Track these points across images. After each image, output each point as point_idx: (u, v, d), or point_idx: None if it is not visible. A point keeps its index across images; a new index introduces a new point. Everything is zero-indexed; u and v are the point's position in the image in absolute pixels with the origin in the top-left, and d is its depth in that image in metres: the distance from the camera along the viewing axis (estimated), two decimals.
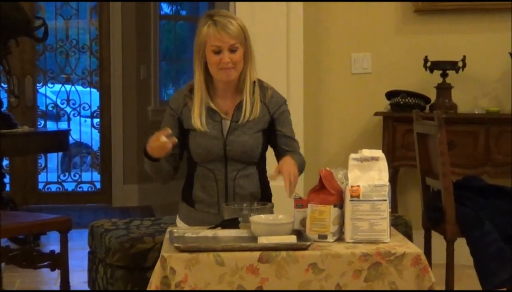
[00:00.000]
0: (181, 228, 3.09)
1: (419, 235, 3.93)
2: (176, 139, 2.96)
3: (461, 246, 3.66)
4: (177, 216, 3.30)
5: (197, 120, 3.06)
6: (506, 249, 3.55)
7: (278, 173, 2.90)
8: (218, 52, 3.01)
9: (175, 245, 2.52)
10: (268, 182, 3.21)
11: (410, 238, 3.59)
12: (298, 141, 3.23)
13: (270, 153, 3.26)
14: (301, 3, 4.87)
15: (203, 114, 3.07)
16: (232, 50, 3.02)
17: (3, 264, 4.10)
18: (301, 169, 3.10)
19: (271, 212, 2.87)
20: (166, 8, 8.88)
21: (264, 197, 3.17)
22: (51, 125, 7.85)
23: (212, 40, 3.01)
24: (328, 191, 2.65)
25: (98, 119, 7.89)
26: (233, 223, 2.79)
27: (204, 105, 3.08)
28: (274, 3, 4.79)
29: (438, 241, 3.82)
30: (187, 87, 3.17)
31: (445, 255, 3.64)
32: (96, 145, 8.06)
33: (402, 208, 4.99)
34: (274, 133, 3.16)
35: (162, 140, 2.92)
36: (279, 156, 3.15)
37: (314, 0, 5.03)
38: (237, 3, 4.83)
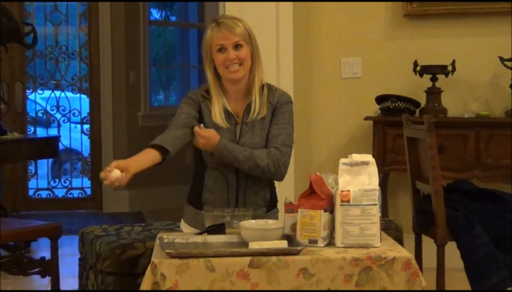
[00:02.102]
0: (187, 233, 3.07)
1: (410, 239, 3.94)
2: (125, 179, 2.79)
3: (452, 250, 3.67)
4: (182, 220, 3.27)
5: (219, 117, 3.06)
6: (497, 252, 3.55)
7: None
8: (223, 50, 3.04)
9: (167, 251, 2.51)
10: (275, 188, 3.22)
11: (400, 242, 3.60)
12: (288, 144, 3.12)
13: None
14: (290, 7, 4.87)
15: (223, 114, 3.08)
16: (237, 47, 3.04)
17: None
18: (242, 160, 3.00)
19: (252, 218, 2.85)
20: (155, 14, 8.88)
21: (271, 201, 3.18)
22: (41, 132, 7.84)
23: (216, 40, 3.05)
24: (318, 196, 2.65)
25: (88, 125, 7.88)
26: (219, 229, 2.79)
27: (222, 106, 3.09)
28: (264, 8, 4.80)
29: (429, 245, 3.83)
30: (202, 89, 3.18)
31: (436, 258, 3.64)
32: (86, 151, 8.05)
33: (392, 212, 5.00)
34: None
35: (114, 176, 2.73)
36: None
37: (304, 1, 5.03)
38: (227, 4, 4.83)
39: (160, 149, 2.96)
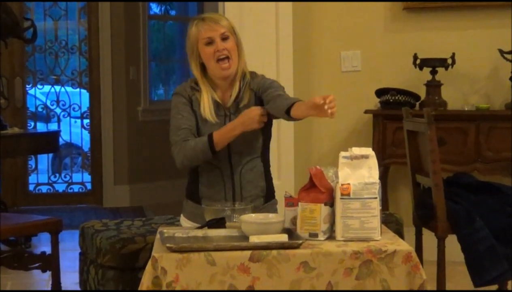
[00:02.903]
0: (187, 227, 3.08)
1: (410, 232, 3.94)
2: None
3: (452, 243, 3.67)
4: (182, 215, 3.27)
5: (208, 112, 3.07)
6: (497, 245, 3.55)
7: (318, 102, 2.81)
8: (210, 43, 3.05)
9: (167, 245, 2.51)
10: (271, 178, 3.22)
11: (401, 235, 3.60)
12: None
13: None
14: (290, 2, 4.87)
15: (212, 107, 3.09)
16: (224, 39, 3.06)
17: None
18: None
19: (254, 212, 2.86)
20: (155, 8, 8.87)
21: (268, 191, 3.18)
22: (41, 127, 7.83)
23: (203, 33, 3.06)
24: (318, 189, 2.65)
25: (88, 120, 7.88)
26: (219, 223, 2.79)
27: (211, 98, 3.10)
28: (263, 2, 4.79)
29: (429, 238, 3.83)
30: (191, 80, 3.18)
31: (436, 252, 3.64)
32: (86, 146, 8.05)
33: (393, 205, 5.00)
34: (266, 101, 3.09)
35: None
36: (273, 103, 3.05)
37: None
38: (226, 3, 4.83)
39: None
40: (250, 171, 3.12)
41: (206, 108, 3.07)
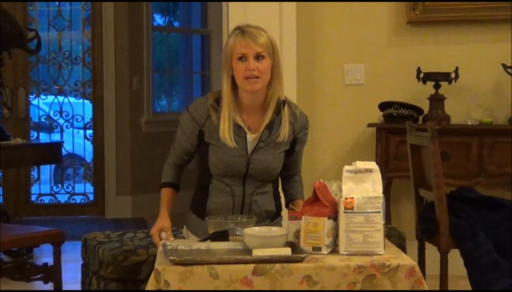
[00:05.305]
0: (190, 240, 3.08)
1: (413, 246, 3.93)
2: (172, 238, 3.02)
3: (455, 257, 3.66)
4: (185, 227, 3.24)
5: (227, 135, 2.97)
6: (500, 260, 3.55)
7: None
8: (243, 59, 2.94)
9: (170, 258, 2.51)
10: (280, 197, 3.20)
11: (404, 249, 3.60)
12: None
13: None
14: (294, 14, 4.88)
15: (231, 129, 2.99)
16: (258, 58, 2.94)
17: None
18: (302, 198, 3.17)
19: (257, 225, 2.85)
20: (159, 20, 8.89)
21: (276, 213, 3.16)
22: (44, 137, 7.84)
23: (238, 48, 2.94)
24: (322, 203, 2.65)
25: (91, 131, 7.88)
26: (222, 236, 2.78)
27: (232, 120, 3.00)
28: (267, 14, 4.80)
29: (432, 252, 3.83)
30: (211, 97, 3.06)
31: (439, 266, 3.64)
32: (89, 157, 8.05)
33: (395, 219, 4.99)
34: (291, 151, 3.12)
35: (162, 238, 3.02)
36: (283, 170, 3.12)
37: (308, 0, 5.03)
38: (230, 13, 4.83)
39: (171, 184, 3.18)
40: (261, 194, 3.08)
41: (226, 131, 2.98)
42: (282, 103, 3.04)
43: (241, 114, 3.03)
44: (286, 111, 3.06)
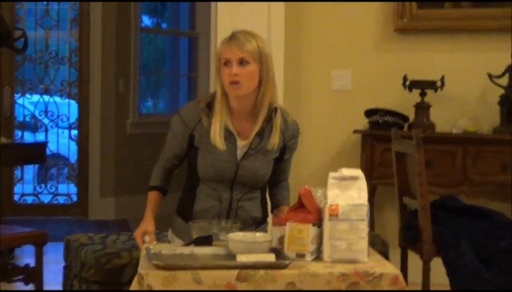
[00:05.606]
0: (174, 244, 3.07)
1: (396, 253, 3.94)
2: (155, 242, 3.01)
3: (438, 266, 3.67)
4: (170, 230, 3.24)
5: (217, 138, 2.98)
6: (482, 269, 3.56)
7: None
8: (228, 64, 2.95)
9: (154, 262, 2.50)
10: (267, 204, 3.19)
11: (386, 257, 3.60)
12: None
13: None
14: (282, 19, 4.88)
15: (222, 133, 2.99)
16: (242, 63, 2.94)
17: None
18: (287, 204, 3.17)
19: (241, 230, 2.85)
20: (147, 21, 8.88)
21: (262, 220, 3.16)
22: (28, 137, 7.81)
23: (224, 53, 2.97)
24: (307, 210, 2.65)
25: (76, 131, 7.86)
26: (206, 241, 2.77)
27: (223, 125, 3.00)
28: (256, 20, 4.80)
29: (415, 260, 3.83)
30: (203, 101, 3.07)
31: (421, 274, 3.65)
32: (73, 157, 8.02)
33: (379, 226, 5.00)
34: (281, 159, 3.13)
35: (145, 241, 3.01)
36: (271, 176, 3.13)
37: (296, 0, 5.04)
38: (218, 20, 4.84)
39: (159, 187, 3.17)
40: (248, 200, 3.08)
41: (217, 134, 2.98)
42: (274, 110, 3.04)
43: (232, 120, 3.03)
44: (278, 118, 3.05)
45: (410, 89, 4.96)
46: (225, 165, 3.01)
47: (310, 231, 2.63)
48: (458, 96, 5.09)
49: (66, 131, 8.01)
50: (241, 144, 3.03)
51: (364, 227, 2.63)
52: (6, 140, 5.76)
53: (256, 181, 3.06)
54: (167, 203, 3.32)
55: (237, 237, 2.68)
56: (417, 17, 5.08)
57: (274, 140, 3.04)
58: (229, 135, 3.01)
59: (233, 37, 2.98)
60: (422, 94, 4.94)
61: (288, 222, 2.66)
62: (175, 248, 2.75)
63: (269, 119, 3.04)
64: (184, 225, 3.10)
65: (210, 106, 3.04)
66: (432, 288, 3.67)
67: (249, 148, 3.03)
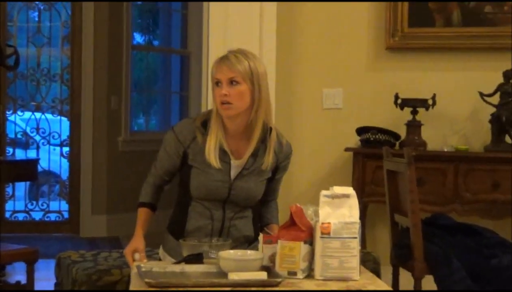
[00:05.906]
0: (165, 262, 3.06)
1: (387, 271, 3.94)
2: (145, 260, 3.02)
3: (429, 283, 3.68)
4: (161, 247, 3.22)
5: (212, 155, 2.96)
6: (474, 287, 3.57)
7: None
8: (219, 84, 2.94)
9: (146, 280, 2.49)
10: (258, 224, 3.18)
11: (378, 274, 3.60)
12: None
13: None
14: (274, 39, 4.90)
15: (217, 150, 2.98)
16: (232, 83, 2.92)
17: None
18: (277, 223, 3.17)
19: (232, 248, 2.84)
20: (138, 38, 8.89)
21: (256, 238, 3.15)
22: (20, 154, 7.79)
23: (215, 73, 2.96)
24: (298, 227, 2.65)
25: (67, 148, 7.85)
26: (197, 258, 2.77)
27: (218, 144, 2.99)
28: (247, 41, 4.81)
29: (406, 278, 3.84)
30: (199, 119, 3.06)
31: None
32: (65, 174, 8.01)
33: (370, 244, 5.00)
34: (272, 178, 3.12)
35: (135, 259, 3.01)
36: (262, 195, 3.12)
37: (287, 32, 5.07)
38: (210, 37, 4.85)
39: (149, 204, 3.16)
40: (240, 219, 3.07)
41: (211, 152, 2.97)
42: (269, 130, 3.04)
43: (227, 139, 3.02)
44: (272, 139, 3.05)
45: (402, 108, 4.98)
46: (218, 184, 3.00)
47: (302, 248, 2.63)
48: (449, 115, 5.11)
49: (58, 148, 8.00)
50: (235, 164, 3.02)
51: (355, 245, 2.63)
52: None
53: (249, 200, 3.06)
54: (157, 220, 3.31)
55: (229, 255, 2.67)
56: (409, 36, 5.11)
57: (268, 160, 3.03)
58: (223, 155, 3.00)
59: (224, 58, 2.97)
60: (414, 112, 4.96)
61: (279, 239, 2.66)
62: (165, 265, 2.74)
63: (263, 139, 3.03)
64: (176, 243, 3.07)
65: (205, 124, 3.03)
66: None
67: (243, 168, 3.02)
